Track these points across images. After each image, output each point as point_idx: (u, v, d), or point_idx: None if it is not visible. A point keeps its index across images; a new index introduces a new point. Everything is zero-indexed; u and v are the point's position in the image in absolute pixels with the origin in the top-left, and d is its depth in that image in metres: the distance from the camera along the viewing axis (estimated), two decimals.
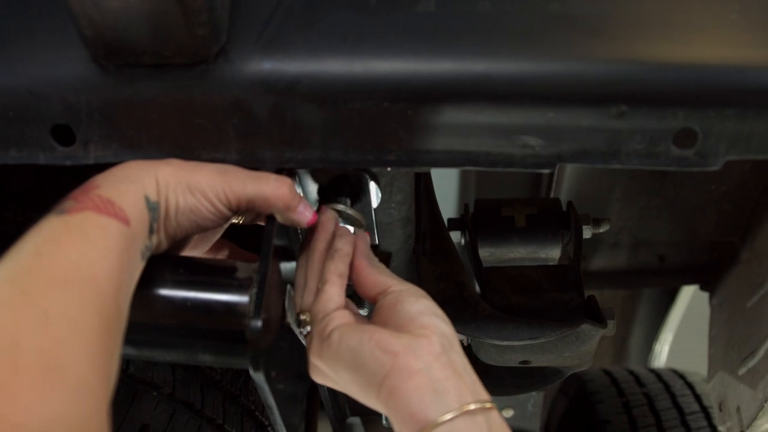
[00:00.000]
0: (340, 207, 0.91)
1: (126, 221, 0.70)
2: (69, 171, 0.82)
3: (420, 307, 0.79)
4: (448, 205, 2.17)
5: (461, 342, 1.24)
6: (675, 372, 2.39)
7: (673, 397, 2.22)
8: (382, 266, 0.86)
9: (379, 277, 0.84)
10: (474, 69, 0.76)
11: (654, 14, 0.79)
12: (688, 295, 2.68)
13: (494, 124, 0.79)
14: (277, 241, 0.83)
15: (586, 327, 1.13)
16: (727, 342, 1.64)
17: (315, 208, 0.88)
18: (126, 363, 1.22)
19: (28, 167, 0.84)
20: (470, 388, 0.73)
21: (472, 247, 1.33)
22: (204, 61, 0.77)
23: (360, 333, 0.76)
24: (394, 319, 0.79)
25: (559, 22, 0.78)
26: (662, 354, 3.00)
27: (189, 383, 1.33)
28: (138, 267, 0.74)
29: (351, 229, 0.93)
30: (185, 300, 0.80)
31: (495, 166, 0.81)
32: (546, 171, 0.82)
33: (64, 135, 0.80)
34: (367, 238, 0.89)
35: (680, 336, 2.89)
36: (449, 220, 1.37)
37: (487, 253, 1.33)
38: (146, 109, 0.79)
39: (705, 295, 1.92)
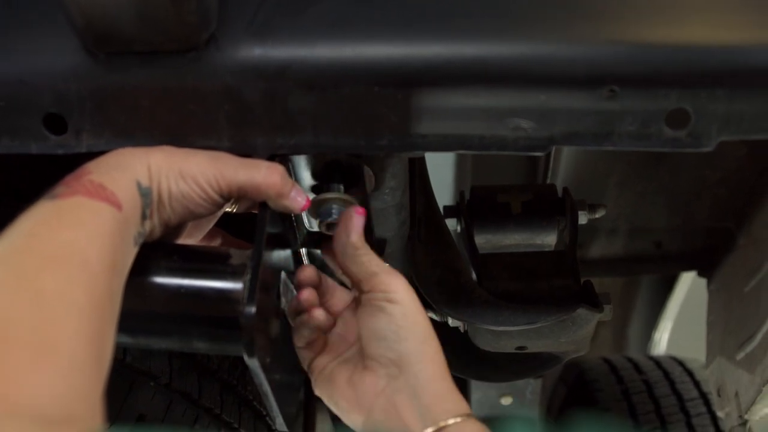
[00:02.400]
0: (333, 194, 0.91)
1: (118, 206, 0.70)
2: (65, 165, 0.82)
3: (368, 328, 0.83)
4: (444, 192, 2.17)
5: (458, 329, 1.25)
6: (674, 359, 2.39)
7: (672, 383, 2.22)
8: (370, 255, 0.86)
9: (360, 269, 0.84)
10: (464, 52, 0.76)
11: None
12: (687, 282, 2.68)
13: (486, 107, 0.78)
14: (270, 228, 0.83)
15: (581, 311, 1.13)
16: (725, 327, 1.64)
17: (308, 194, 0.88)
18: (123, 353, 1.22)
19: (23, 161, 0.85)
20: (417, 417, 0.78)
21: (467, 234, 1.32)
22: (194, 48, 0.77)
23: (327, 388, 0.86)
24: (360, 337, 0.85)
25: (549, 4, 0.78)
26: (662, 342, 3.00)
27: (186, 373, 1.33)
28: (131, 252, 0.74)
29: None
30: (179, 287, 0.80)
31: (488, 150, 0.81)
32: (539, 154, 0.82)
33: (56, 124, 0.80)
34: (362, 217, 0.87)
35: (679, 323, 2.88)
36: (445, 207, 1.37)
37: (483, 240, 1.33)
38: (137, 96, 0.79)
39: (704, 283, 1.92)
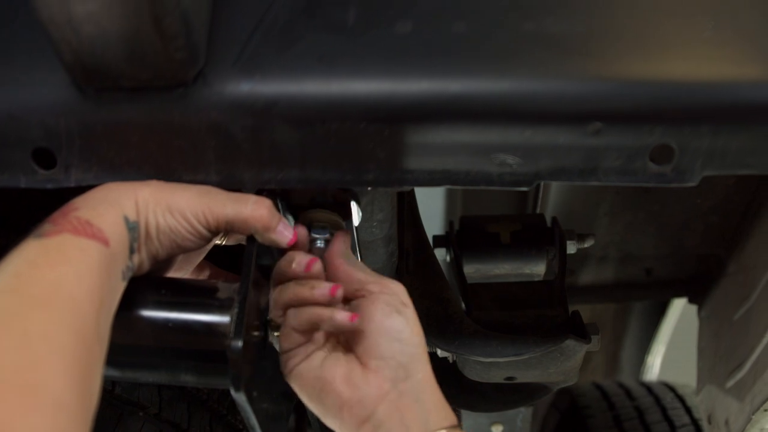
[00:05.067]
0: (320, 213, 0.92)
1: (105, 242, 0.70)
2: (54, 194, 0.82)
3: (383, 328, 0.80)
4: (434, 222, 2.18)
5: (446, 359, 1.25)
6: (666, 385, 2.39)
7: (663, 410, 2.22)
8: (360, 264, 0.87)
9: (353, 274, 0.84)
10: (450, 89, 0.77)
11: (628, 32, 0.79)
12: (680, 307, 2.68)
13: (472, 143, 0.79)
14: (258, 261, 0.83)
15: (569, 343, 1.13)
16: (715, 354, 1.65)
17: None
18: (112, 384, 1.21)
19: (11, 191, 0.85)
20: (421, 422, 0.77)
21: (457, 264, 1.33)
22: (182, 84, 0.77)
23: (311, 383, 0.82)
24: (361, 334, 0.81)
25: (534, 41, 0.78)
26: (654, 366, 3.00)
27: (175, 403, 1.33)
28: (119, 287, 0.74)
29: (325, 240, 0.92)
30: (167, 321, 0.80)
31: (474, 185, 0.82)
32: (525, 189, 0.83)
33: (45, 158, 0.81)
34: (347, 237, 0.89)
35: (672, 348, 2.88)
36: (434, 237, 1.38)
37: (472, 270, 1.33)
38: (126, 132, 0.79)
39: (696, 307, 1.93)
